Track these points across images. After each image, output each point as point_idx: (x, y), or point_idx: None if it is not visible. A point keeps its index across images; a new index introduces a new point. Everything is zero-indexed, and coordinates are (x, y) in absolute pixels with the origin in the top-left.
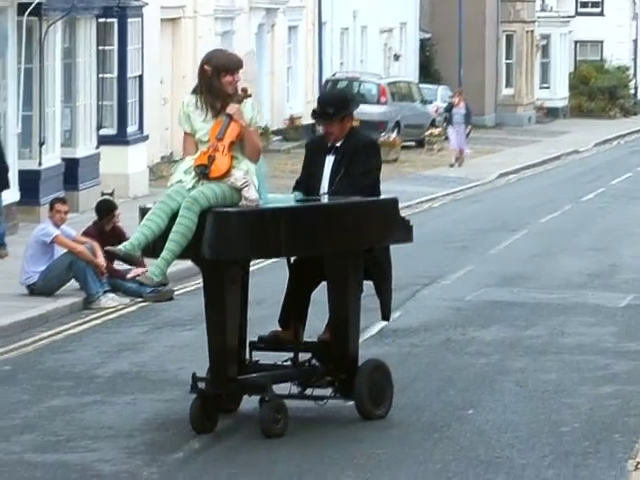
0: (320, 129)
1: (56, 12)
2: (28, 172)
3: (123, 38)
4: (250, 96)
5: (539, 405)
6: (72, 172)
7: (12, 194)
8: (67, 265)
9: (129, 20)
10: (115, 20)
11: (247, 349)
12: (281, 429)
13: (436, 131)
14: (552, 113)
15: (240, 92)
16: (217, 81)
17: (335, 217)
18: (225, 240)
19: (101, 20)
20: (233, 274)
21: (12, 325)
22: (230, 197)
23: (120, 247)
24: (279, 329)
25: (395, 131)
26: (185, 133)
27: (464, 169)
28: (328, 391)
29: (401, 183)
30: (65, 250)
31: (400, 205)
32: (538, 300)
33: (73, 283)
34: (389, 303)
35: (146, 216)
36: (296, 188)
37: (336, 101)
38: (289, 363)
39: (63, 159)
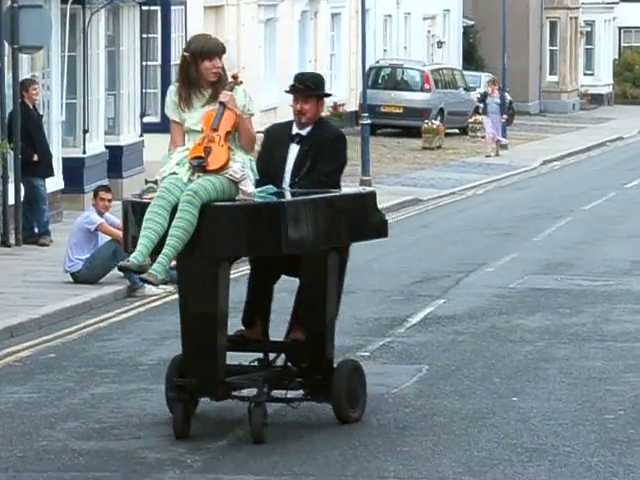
0: (294, 105)
1: (99, 0)
2: (72, 160)
3: (166, 26)
4: (241, 83)
5: (583, 392)
6: (116, 160)
7: (56, 182)
8: (111, 253)
9: (172, 8)
10: (158, 8)
11: None
12: (266, 434)
13: (480, 118)
14: (596, 100)
15: (230, 79)
16: (195, 68)
17: (329, 211)
18: (219, 237)
19: (144, 8)
20: (225, 270)
21: (57, 313)
22: (228, 191)
23: (132, 260)
24: (243, 329)
25: (438, 118)
26: (173, 122)
27: (508, 156)
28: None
29: (445, 170)
30: (109, 238)
31: (444, 192)
32: (582, 287)
33: (117, 271)
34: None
35: (147, 216)
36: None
37: (316, 79)
38: (257, 364)
39: (107, 147)
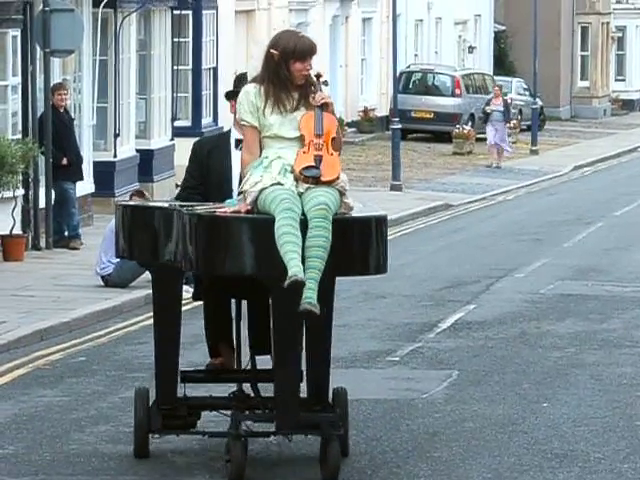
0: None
1: (131, 4)
2: (103, 164)
3: (198, 30)
4: (327, 83)
5: (614, 399)
6: (147, 164)
7: (87, 186)
8: None
9: (204, 12)
10: (190, 12)
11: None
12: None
13: (511, 123)
14: (627, 105)
15: (314, 79)
16: (286, 68)
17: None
18: (227, 252)
19: (176, 12)
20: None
21: (87, 316)
22: (338, 204)
23: (299, 276)
24: (212, 360)
25: (469, 123)
26: (249, 127)
27: (539, 161)
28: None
29: (475, 175)
30: None
31: (474, 198)
32: (613, 293)
33: (147, 275)
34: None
35: (283, 229)
36: (191, 194)
37: None
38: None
39: (138, 151)
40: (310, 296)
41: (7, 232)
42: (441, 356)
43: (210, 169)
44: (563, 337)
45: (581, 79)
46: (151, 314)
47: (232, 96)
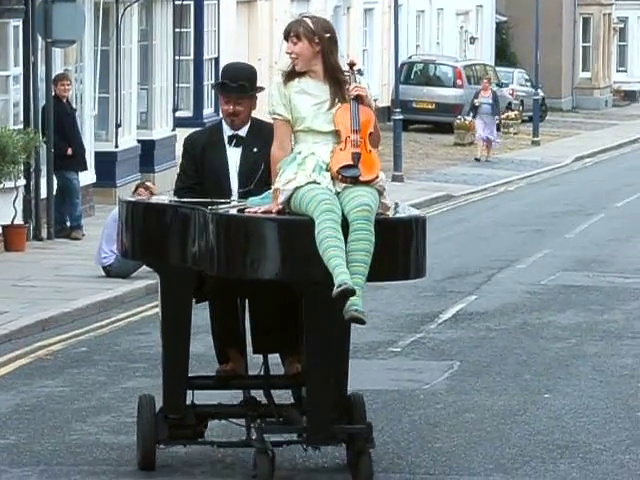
0: (226, 108)
1: None
2: (104, 154)
3: (199, 20)
4: (362, 72)
5: (615, 390)
6: (148, 154)
7: (88, 176)
8: None
9: (205, 2)
10: (191, 2)
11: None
12: None
13: (512, 114)
14: (629, 96)
15: (347, 67)
16: (335, 55)
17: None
18: (260, 256)
19: (177, 2)
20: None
21: (89, 307)
22: (377, 204)
23: (349, 284)
24: (222, 366)
25: (471, 114)
26: (282, 120)
27: (541, 152)
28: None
29: (477, 166)
30: None
31: (476, 188)
32: (614, 284)
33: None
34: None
35: (325, 233)
36: (188, 194)
37: (250, 75)
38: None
39: (139, 141)
40: (357, 303)
41: (9, 222)
42: (442, 347)
43: (205, 167)
44: (564, 328)
45: (583, 70)
46: (152, 304)
47: (222, 90)
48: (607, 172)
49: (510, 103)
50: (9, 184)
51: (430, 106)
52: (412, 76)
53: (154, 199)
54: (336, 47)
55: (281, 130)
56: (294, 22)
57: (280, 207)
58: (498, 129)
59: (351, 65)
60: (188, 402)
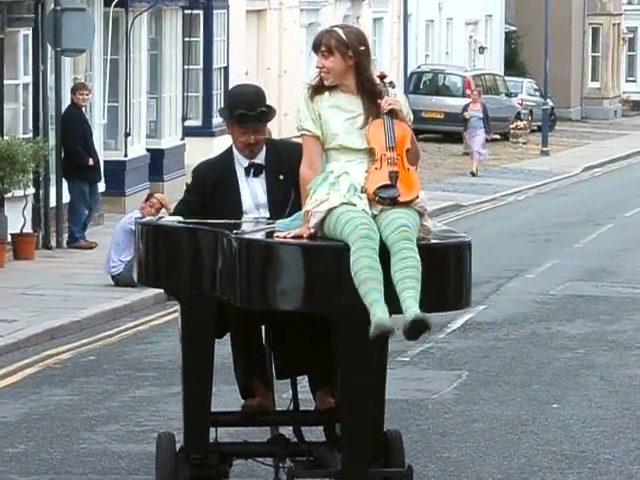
0: (244, 139)
1: (142, 3)
2: (113, 163)
3: (209, 30)
4: (393, 85)
5: (624, 400)
6: (157, 163)
7: (98, 185)
8: None
9: (215, 12)
10: (201, 12)
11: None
12: None
13: (521, 124)
14: (638, 106)
15: (378, 80)
16: (369, 69)
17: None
18: (291, 287)
19: (187, 12)
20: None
21: (97, 315)
22: (418, 227)
23: (388, 325)
24: (248, 400)
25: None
26: (311, 136)
27: (550, 162)
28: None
29: (486, 176)
30: None
31: (485, 198)
32: (623, 294)
33: None
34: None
35: (363, 262)
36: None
37: (264, 98)
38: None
39: (148, 150)
40: (416, 308)
41: (18, 231)
42: (451, 356)
43: (217, 203)
44: (573, 338)
45: (592, 80)
46: (161, 313)
47: (228, 116)
48: (616, 182)
49: (519, 113)
50: (18, 193)
51: (439, 116)
52: (421, 86)
53: (168, 219)
54: (370, 60)
55: (311, 148)
56: (325, 33)
57: (312, 231)
58: (507, 138)
59: (381, 77)
60: (211, 440)
